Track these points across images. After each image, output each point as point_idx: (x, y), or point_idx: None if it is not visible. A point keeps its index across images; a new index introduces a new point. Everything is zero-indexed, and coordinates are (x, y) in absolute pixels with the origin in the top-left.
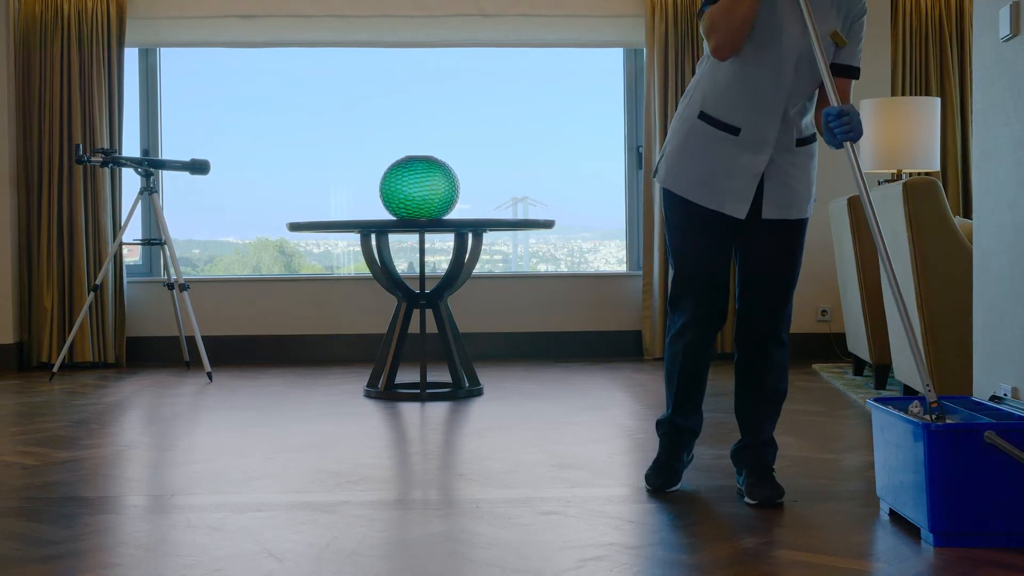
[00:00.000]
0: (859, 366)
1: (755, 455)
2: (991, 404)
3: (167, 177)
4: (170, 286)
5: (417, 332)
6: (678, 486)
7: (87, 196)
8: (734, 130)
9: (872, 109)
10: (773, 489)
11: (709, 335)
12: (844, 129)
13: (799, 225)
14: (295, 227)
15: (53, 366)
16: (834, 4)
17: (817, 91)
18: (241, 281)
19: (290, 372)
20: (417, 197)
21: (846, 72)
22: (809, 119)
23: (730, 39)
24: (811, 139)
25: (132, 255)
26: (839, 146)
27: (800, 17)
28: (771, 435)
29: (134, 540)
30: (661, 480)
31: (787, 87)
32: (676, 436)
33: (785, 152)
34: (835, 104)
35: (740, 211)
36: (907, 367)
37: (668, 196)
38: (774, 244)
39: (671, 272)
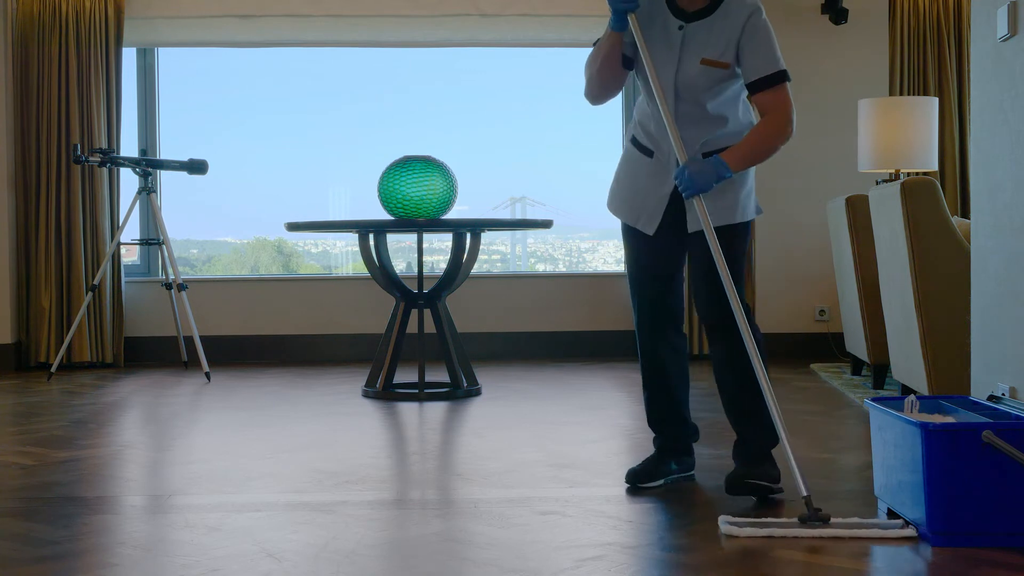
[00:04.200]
0: (857, 366)
1: (734, 449)
2: (989, 404)
3: (165, 177)
4: (168, 286)
5: (415, 332)
6: (658, 483)
7: (85, 196)
8: (649, 152)
9: (870, 109)
10: (732, 480)
11: (657, 337)
12: (681, 188)
13: (722, 232)
14: (293, 227)
15: (51, 366)
16: (712, 30)
17: (741, 98)
18: (239, 281)
19: (288, 372)
20: (415, 197)
21: (762, 84)
22: (719, 133)
23: (591, 90)
24: (723, 151)
25: (130, 255)
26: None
27: (672, 49)
28: (744, 431)
29: (132, 540)
30: (635, 471)
31: (672, 113)
32: (658, 441)
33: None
34: (681, 158)
35: (650, 229)
36: (905, 366)
37: None
38: (704, 249)
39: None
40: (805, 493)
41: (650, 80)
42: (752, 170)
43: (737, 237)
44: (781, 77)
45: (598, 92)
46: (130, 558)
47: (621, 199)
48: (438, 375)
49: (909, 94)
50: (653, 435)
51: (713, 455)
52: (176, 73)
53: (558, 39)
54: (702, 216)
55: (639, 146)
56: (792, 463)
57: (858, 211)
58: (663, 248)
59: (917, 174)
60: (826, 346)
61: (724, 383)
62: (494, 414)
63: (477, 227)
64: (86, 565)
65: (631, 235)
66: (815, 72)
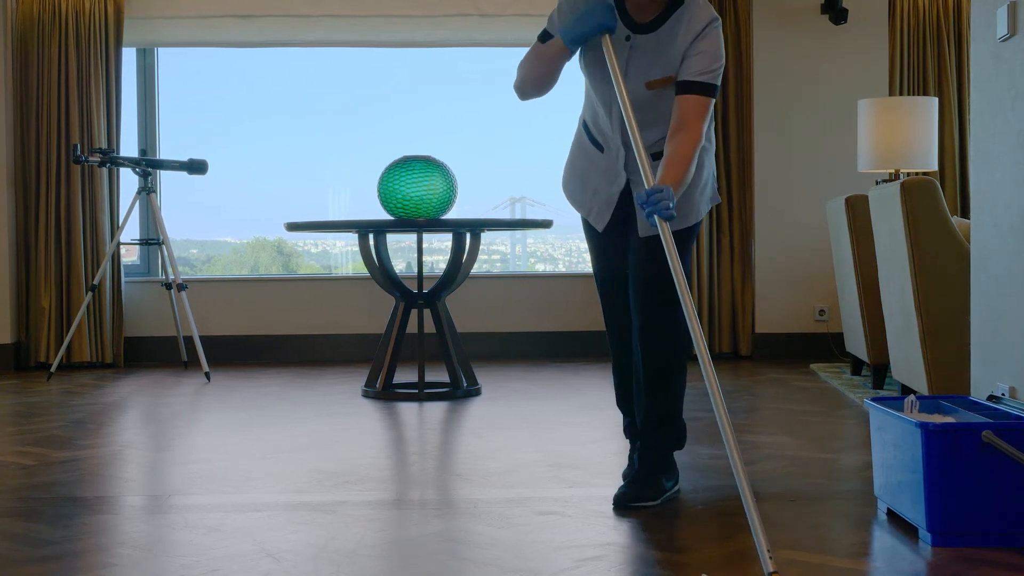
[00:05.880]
0: (857, 366)
1: (638, 454)
2: (989, 404)
3: (165, 177)
4: (168, 286)
5: (415, 332)
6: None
7: (85, 196)
8: (600, 147)
9: (870, 109)
10: (624, 491)
11: (621, 336)
12: (653, 209)
13: (675, 235)
14: (293, 227)
15: (51, 366)
16: (659, 44)
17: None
18: (239, 281)
19: (288, 372)
20: (415, 197)
21: (695, 88)
22: (666, 134)
23: (524, 90)
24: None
25: (130, 255)
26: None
27: (625, 62)
28: (649, 438)
29: (131, 540)
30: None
31: (617, 119)
32: (627, 422)
33: (640, 173)
34: (649, 183)
35: (600, 224)
36: (905, 366)
37: None
38: (648, 251)
39: None
40: (771, 571)
41: (620, 101)
42: (710, 168)
43: (687, 239)
44: (713, 91)
45: (532, 92)
46: (129, 558)
47: (574, 185)
48: (438, 375)
49: (909, 94)
50: (624, 421)
51: (713, 455)
52: (176, 73)
53: None
54: (665, 238)
55: (590, 136)
56: (759, 538)
57: (858, 211)
58: (622, 248)
59: (917, 174)
60: (826, 346)
61: (651, 385)
62: (494, 414)
63: (477, 227)
64: (86, 565)
65: (591, 235)
66: (815, 72)
